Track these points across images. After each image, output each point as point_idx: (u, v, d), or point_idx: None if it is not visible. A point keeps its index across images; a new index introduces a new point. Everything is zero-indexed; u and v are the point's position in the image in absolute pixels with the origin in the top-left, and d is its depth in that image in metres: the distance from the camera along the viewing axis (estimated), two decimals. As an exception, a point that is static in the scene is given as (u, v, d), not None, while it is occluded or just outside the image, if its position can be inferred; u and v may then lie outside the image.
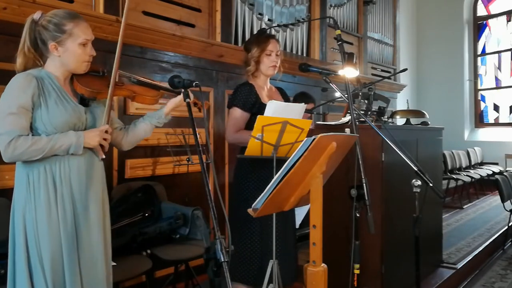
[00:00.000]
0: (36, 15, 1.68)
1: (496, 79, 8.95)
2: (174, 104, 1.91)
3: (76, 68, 1.72)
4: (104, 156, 1.72)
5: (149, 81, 1.91)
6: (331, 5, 5.57)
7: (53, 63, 1.70)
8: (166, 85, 1.87)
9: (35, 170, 1.64)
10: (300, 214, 3.03)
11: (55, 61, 1.70)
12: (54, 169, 1.65)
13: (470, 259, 3.78)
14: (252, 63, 2.44)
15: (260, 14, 4.39)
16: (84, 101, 1.74)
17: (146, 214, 2.75)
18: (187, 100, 1.67)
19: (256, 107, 2.37)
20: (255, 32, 4.21)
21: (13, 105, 1.58)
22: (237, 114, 2.39)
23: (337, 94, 2.36)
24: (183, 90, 1.70)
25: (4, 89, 1.62)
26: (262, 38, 2.49)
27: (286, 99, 2.63)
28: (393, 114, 3.56)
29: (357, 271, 1.99)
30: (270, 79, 2.56)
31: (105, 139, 1.70)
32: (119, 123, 1.95)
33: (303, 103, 2.35)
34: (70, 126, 1.67)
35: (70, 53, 1.68)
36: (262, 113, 2.15)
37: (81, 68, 1.73)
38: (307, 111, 3.44)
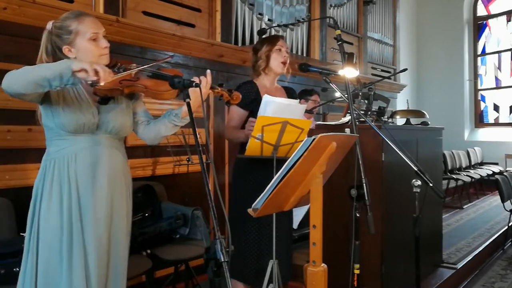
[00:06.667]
0: (48, 25, 1.67)
1: (496, 79, 8.96)
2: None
3: None
4: (93, 79, 1.44)
5: (166, 73, 1.75)
6: (331, 5, 5.57)
7: None
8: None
9: (52, 161, 1.62)
10: (299, 214, 3.03)
11: None
12: (62, 163, 1.61)
13: (470, 259, 3.78)
14: (263, 57, 2.45)
15: (260, 14, 4.39)
16: (103, 100, 1.69)
17: (146, 214, 2.75)
18: (187, 100, 1.65)
19: (254, 105, 2.36)
20: (255, 32, 4.22)
21: None
22: (234, 110, 2.43)
23: (337, 94, 2.36)
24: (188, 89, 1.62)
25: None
26: (271, 36, 2.60)
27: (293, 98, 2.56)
28: (393, 114, 3.56)
29: (357, 271, 1.99)
30: (278, 79, 2.55)
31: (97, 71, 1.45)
32: (145, 117, 1.86)
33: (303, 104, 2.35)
34: (80, 124, 1.62)
35: (83, 51, 1.64)
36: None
37: (101, 63, 1.62)
38: (307, 111, 3.45)
